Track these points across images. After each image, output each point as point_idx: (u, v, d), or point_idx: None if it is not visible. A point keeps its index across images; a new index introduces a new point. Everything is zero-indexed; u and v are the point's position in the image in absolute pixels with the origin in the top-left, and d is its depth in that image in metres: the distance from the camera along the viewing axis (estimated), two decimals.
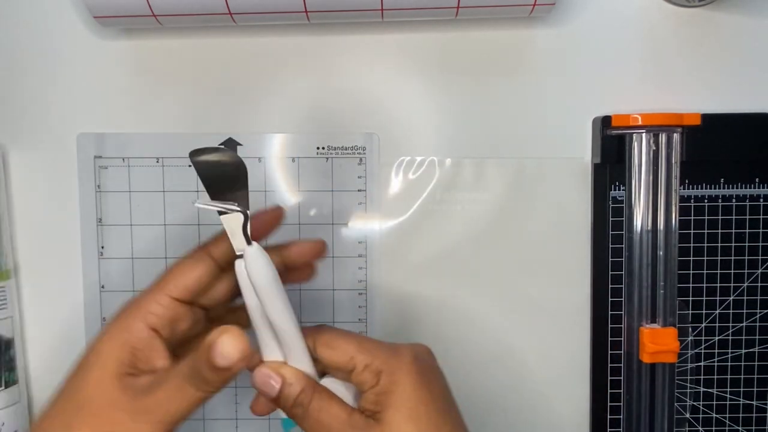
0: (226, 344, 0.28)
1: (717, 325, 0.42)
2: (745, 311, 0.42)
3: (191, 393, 0.29)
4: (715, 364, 0.42)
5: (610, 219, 0.42)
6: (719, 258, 0.42)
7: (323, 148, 0.43)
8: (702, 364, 0.42)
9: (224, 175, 0.30)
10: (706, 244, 0.42)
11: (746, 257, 0.42)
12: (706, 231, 0.42)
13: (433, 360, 0.33)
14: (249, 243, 0.30)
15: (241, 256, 0.30)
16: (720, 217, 0.42)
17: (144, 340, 0.30)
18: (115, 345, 0.30)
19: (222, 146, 0.31)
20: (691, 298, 0.42)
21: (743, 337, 0.42)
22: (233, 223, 0.30)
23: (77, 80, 0.43)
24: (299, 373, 0.32)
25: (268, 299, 0.30)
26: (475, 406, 0.44)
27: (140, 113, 0.43)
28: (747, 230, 0.42)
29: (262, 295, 0.30)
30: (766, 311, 0.42)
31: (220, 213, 0.30)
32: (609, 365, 0.42)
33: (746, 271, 0.42)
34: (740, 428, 0.42)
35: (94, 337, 0.31)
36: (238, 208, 0.30)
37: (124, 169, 0.43)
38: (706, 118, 0.40)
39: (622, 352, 0.42)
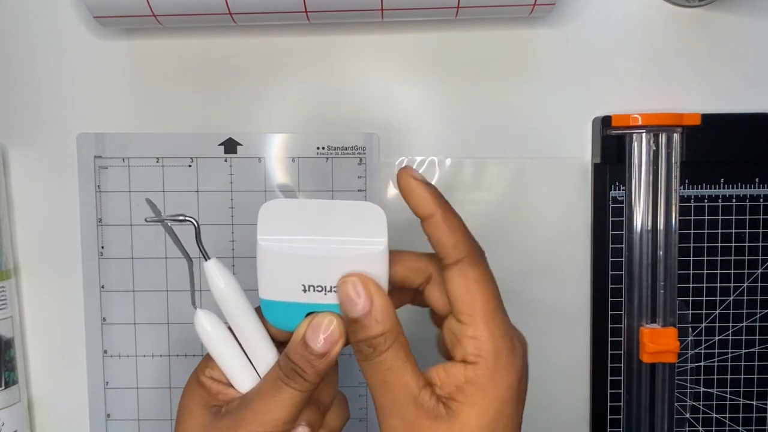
0: (321, 326, 0.27)
1: (717, 325, 0.42)
2: (745, 311, 0.42)
3: (288, 392, 0.28)
4: (715, 364, 0.42)
5: (610, 219, 0.42)
6: (719, 258, 0.42)
7: (323, 148, 0.43)
8: (702, 364, 0.42)
9: None
10: (706, 244, 0.42)
11: (746, 257, 0.42)
12: (706, 231, 0.42)
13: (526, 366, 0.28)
14: (207, 258, 0.29)
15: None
16: (720, 217, 0.42)
17: (215, 386, 0.30)
18: (195, 397, 0.30)
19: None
20: (691, 298, 0.42)
21: (743, 337, 0.42)
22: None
23: (77, 80, 0.43)
24: (391, 308, 0.27)
25: (232, 307, 0.30)
26: None
27: (140, 113, 0.43)
28: (747, 230, 0.42)
29: (225, 304, 0.30)
30: (766, 311, 0.42)
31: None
32: (609, 365, 0.42)
33: (746, 271, 0.42)
34: (740, 428, 0.42)
35: (180, 400, 0.31)
36: (189, 218, 0.29)
37: (124, 169, 0.43)
38: (706, 118, 0.40)
39: (622, 352, 0.42)
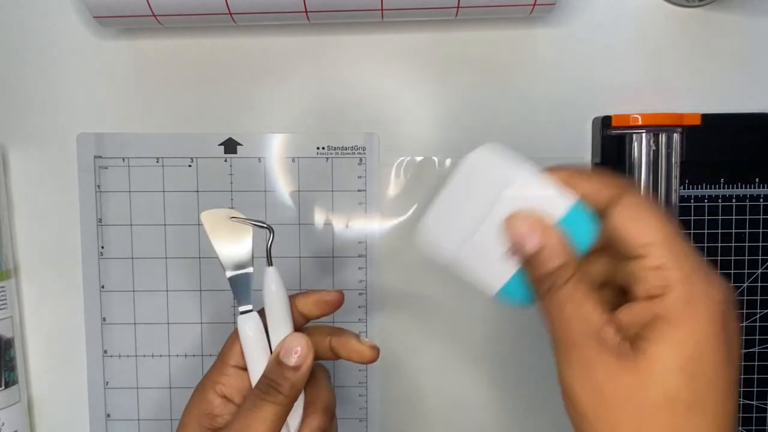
0: (293, 342, 0.31)
1: None
2: (745, 311, 0.42)
3: (266, 408, 0.30)
4: None
5: None
6: (719, 258, 0.42)
7: (323, 148, 0.43)
8: None
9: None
10: (706, 244, 0.42)
11: (746, 257, 0.42)
12: (706, 231, 0.42)
13: (736, 314, 0.24)
14: (270, 264, 0.32)
15: (243, 312, 0.32)
16: (720, 217, 0.42)
17: (219, 407, 0.32)
18: (195, 416, 0.32)
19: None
20: None
21: (743, 337, 0.42)
22: (240, 282, 0.33)
23: (77, 80, 0.43)
24: (566, 243, 0.25)
25: (279, 316, 0.32)
26: (473, 406, 0.44)
27: (140, 113, 0.43)
28: (747, 230, 0.42)
29: (273, 311, 0.32)
30: (766, 311, 0.42)
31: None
32: None
33: (746, 271, 0.42)
34: (740, 428, 0.42)
35: (183, 411, 0.34)
36: (266, 225, 0.32)
37: (124, 169, 0.43)
38: (706, 118, 0.40)
39: None
